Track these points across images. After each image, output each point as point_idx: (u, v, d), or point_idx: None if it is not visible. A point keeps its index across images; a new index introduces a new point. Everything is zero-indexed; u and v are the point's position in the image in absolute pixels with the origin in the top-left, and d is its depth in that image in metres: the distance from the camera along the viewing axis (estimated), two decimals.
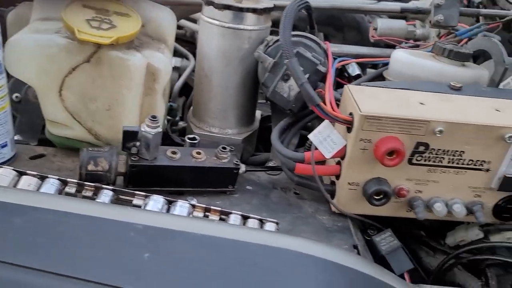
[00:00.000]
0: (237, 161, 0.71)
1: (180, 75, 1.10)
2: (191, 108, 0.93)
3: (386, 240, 0.73)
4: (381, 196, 0.68)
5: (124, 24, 0.70)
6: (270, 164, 0.82)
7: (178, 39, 1.13)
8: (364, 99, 0.67)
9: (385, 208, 0.71)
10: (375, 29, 1.08)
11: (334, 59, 0.82)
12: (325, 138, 0.67)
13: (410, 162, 0.67)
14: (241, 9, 0.78)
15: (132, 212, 0.56)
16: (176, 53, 1.17)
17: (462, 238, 0.78)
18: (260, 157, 0.91)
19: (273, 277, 0.48)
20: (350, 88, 0.70)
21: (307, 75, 0.74)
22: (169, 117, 1.05)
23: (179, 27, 1.21)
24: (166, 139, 0.92)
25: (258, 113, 0.97)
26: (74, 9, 0.69)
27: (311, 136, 0.67)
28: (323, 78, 0.75)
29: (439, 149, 0.66)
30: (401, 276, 0.71)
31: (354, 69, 1.00)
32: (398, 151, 0.64)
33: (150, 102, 0.76)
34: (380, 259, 0.72)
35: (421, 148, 0.66)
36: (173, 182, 0.69)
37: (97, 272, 0.46)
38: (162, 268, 0.48)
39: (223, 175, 0.71)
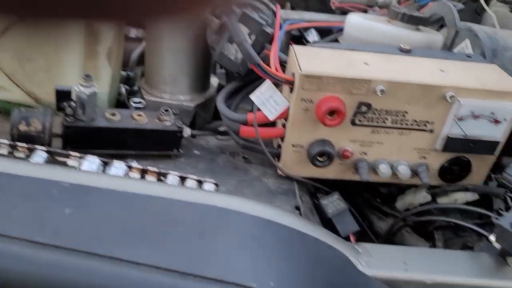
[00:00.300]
0: (180, 124, 0.70)
1: None
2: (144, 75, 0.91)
3: (333, 203, 0.73)
4: (325, 157, 0.68)
5: None
6: (221, 128, 0.81)
7: None
8: (306, 58, 0.65)
9: (331, 170, 0.70)
10: None
11: (285, 23, 0.80)
12: (268, 99, 0.66)
13: (353, 123, 0.66)
14: None
15: (61, 171, 0.55)
16: None
17: (410, 202, 0.78)
18: (216, 124, 0.90)
19: (195, 233, 0.48)
20: (295, 48, 0.68)
21: (253, 37, 0.73)
22: (127, 87, 1.03)
23: None
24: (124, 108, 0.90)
25: (215, 81, 0.95)
26: None
27: (252, 97, 0.66)
28: (272, 40, 0.73)
29: (382, 110, 0.65)
30: (347, 239, 0.71)
31: (313, 36, 0.99)
32: (338, 111, 0.63)
33: (94, 65, 0.74)
34: (327, 222, 0.72)
35: (364, 109, 0.65)
36: (113, 145, 0.67)
37: (13, 227, 0.45)
38: (82, 223, 0.47)
39: (166, 138, 0.70)
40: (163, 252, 0.45)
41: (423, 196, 0.76)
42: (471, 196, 0.74)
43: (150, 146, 0.70)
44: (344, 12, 1.10)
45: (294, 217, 0.56)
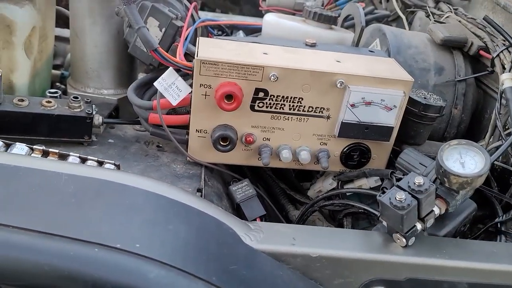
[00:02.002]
0: (89, 111, 0.72)
1: None
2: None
3: (242, 190, 0.75)
4: (227, 142, 0.71)
5: None
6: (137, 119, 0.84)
7: None
8: (207, 48, 0.69)
9: (236, 156, 0.73)
10: (264, 0, 1.12)
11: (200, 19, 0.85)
12: (170, 85, 0.69)
13: (252, 108, 0.70)
14: None
15: None
16: None
17: (319, 189, 0.82)
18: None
19: (72, 202, 0.50)
20: (200, 39, 0.72)
21: (163, 29, 0.76)
22: (62, 86, 1.05)
23: None
24: None
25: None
26: None
27: (156, 83, 0.69)
28: (178, 32, 0.77)
29: (279, 96, 0.69)
30: None
31: (240, 37, 1.04)
32: (234, 95, 0.66)
33: (9, 55, 0.76)
34: (236, 208, 0.75)
35: (261, 94, 0.69)
36: (22, 130, 0.69)
37: None
38: None
39: (75, 125, 0.72)
40: (33, 216, 0.47)
41: (329, 183, 0.80)
42: (374, 182, 0.77)
43: (60, 133, 0.72)
44: None
45: (183, 192, 0.58)
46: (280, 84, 0.68)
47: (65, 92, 1.02)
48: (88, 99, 0.74)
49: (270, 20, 0.88)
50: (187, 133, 0.75)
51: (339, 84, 0.68)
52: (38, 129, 0.70)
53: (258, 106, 0.70)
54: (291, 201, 0.87)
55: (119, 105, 0.89)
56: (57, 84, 1.04)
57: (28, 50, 0.79)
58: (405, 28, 1.11)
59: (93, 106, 0.75)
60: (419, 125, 0.75)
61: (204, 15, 1.05)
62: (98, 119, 0.74)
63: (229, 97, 0.67)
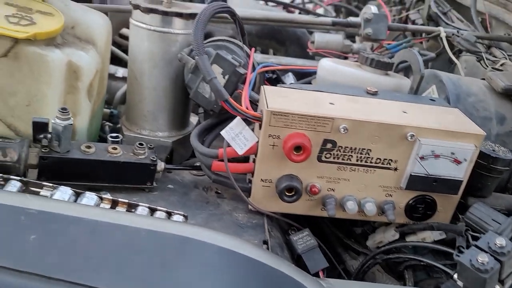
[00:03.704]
0: (154, 157, 0.72)
1: None
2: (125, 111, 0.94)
3: (303, 240, 0.74)
4: (293, 192, 0.69)
5: (45, 22, 0.72)
6: (196, 164, 0.83)
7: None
8: (275, 97, 0.69)
9: (300, 206, 0.72)
10: (313, 42, 1.12)
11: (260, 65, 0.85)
12: (237, 135, 0.68)
13: (319, 159, 0.69)
14: (166, 13, 0.81)
15: (31, 199, 0.56)
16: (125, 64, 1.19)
17: (380, 240, 0.80)
18: (193, 160, 0.92)
19: (156, 262, 0.49)
20: (265, 88, 0.72)
21: (227, 76, 0.77)
22: (110, 124, 1.06)
23: (124, 36, 1.24)
24: None
25: (195, 120, 0.98)
26: None
27: (223, 133, 0.68)
28: (245, 80, 0.77)
29: (347, 147, 0.68)
30: (317, 275, 0.72)
31: (290, 79, 1.04)
32: (304, 147, 0.65)
33: (74, 100, 0.77)
34: (297, 258, 0.73)
35: (329, 146, 0.68)
36: (88, 177, 0.69)
37: None
38: (47, 249, 0.48)
39: (139, 171, 0.71)
40: (123, 279, 0.46)
41: (392, 234, 0.78)
42: (438, 235, 0.75)
43: (124, 179, 0.71)
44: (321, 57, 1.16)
45: (257, 248, 0.57)
46: (349, 135, 0.67)
47: (114, 130, 1.03)
48: (151, 145, 0.74)
49: (326, 66, 0.88)
50: (249, 181, 0.74)
51: (409, 137, 0.67)
52: (103, 175, 0.70)
53: (325, 157, 0.69)
54: (347, 249, 0.84)
55: (173, 147, 0.89)
56: (106, 122, 1.05)
57: (89, 94, 0.80)
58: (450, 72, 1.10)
59: (155, 151, 0.75)
60: (487, 178, 0.73)
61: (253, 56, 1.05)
62: (160, 165, 0.73)
63: (298, 148, 0.66)
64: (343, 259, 0.84)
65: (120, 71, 1.20)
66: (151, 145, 0.74)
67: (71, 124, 0.65)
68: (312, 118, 0.66)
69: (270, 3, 1.48)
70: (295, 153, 0.66)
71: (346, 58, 1.16)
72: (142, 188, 0.73)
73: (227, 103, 0.67)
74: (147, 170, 0.72)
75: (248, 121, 0.70)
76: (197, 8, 0.87)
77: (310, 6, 1.83)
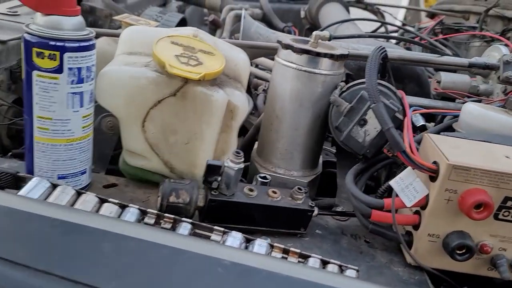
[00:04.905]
0: (312, 203, 0.70)
1: None
2: (255, 147, 0.93)
3: None
4: (464, 251, 0.65)
5: (209, 62, 0.72)
6: (338, 209, 0.81)
7: None
8: (448, 148, 0.65)
9: (465, 264, 0.67)
10: (438, 82, 1.08)
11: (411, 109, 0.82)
12: (407, 186, 0.65)
13: (496, 217, 0.64)
14: (318, 54, 0.79)
15: (217, 247, 0.55)
16: None
17: None
18: (323, 201, 0.90)
19: None
20: (432, 137, 0.69)
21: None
22: None
23: None
24: None
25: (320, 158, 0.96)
26: (163, 45, 0.72)
27: (392, 183, 0.65)
28: (399, 125, 0.74)
29: None
30: None
31: (418, 119, 1.00)
32: (486, 204, 0.61)
33: (226, 138, 0.77)
34: None
35: (509, 203, 0.63)
36: (247, 220, 0.68)
37: None
38: None
39: (296, 217, 0.70)
40: None
41: None
42: None
43: (280, 224, 0.70)
44: (444, 98, 1.11)
45: None
46: None
47: None
48: (306, 189, 0.72)
49: (473, 111, 0.84)
50: (407, 233, 0.70)
51: None
52: (262, 219, 0.68)
53: (503, 215, 0.64)
54: None
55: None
56: None
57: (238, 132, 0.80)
58: None
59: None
60: None
61: None
62: (315, 211, 0.71)
63: (479, 205, 0.62)
64: None
65: None
66: (306, 190, 0.72)
67: (242, 167, 0.64)
68: (496, 174, 0.62)
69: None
70: (475, 210, 0.62)
71: (463, 97, 1.12)
72: (295, 233, 0.71)
73: (403, 154, 0.64)
74: (304, 216, 0.70)
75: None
76: (343, 48, 0.85)
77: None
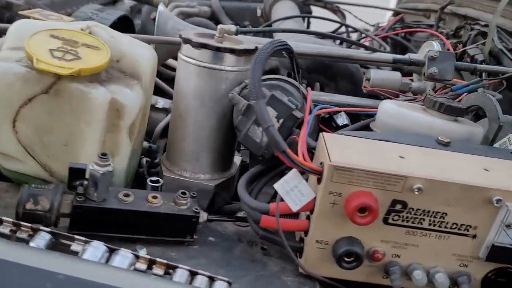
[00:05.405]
0: (197, 209, 0.65)
1: None
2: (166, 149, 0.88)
3: None
4: (353, 258, 0.60)
5: (90, 57, 0.67)
6: (240, 214, 0.76)
7: (170, 80, 1.11)
8: (338, 148, 0.61)
9: (358, 272, 0.63)
10: (368, 79, 1.04)
11: (315, 105, 0.77)
12: (292, 189, 0.61)
13: (385, 221, 0.60)
14: (218, 49, 0.75)
15: (60, 259, 0.50)
16: (167, 95, 1.14)
17: None
18: (236, 206, 0.85)
19: None
20: (325, 136, 0.64)
21: (281, 120, 0.69)
22: (148, 159, 1.01)
23: (170, 67, 1.19)
24: (143, 182, 0.87)
25: (238, 159, 0.91)
26: (40, 39, 0.67)
27: (276, 186, 0.61)
28: (300, 124, 0.70)
29: (419, 209, 0.59)
30: None
31: (343, 119, 0.96)
32: (370, 208, 0.57)
33: (114, 139, 0.71)
34: None
35: (398, 207, 0.59)
36: (124, 228, 0.63)
37: None
38: None
39: (180, 223, 0.64)
40: None
41: None
42: None
43: (163, 231, 0.65)
44: (375, 96, 1.07)
45: None
46: (423, 196, 0.58)
47: (152, 166, 0.97)
48: (194, 193, 0.67)
49: (389, 109, 0.79)
50: (301, 240, 0.66)
51: (495, 202, 0.57)
52: (142, 227, 0.63)
53: (392, 219, 0.60)
54: None
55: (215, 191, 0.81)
56: (143, 156, 0.99)
57: (130, 133, 0.74)
58: None
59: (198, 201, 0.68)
60: None
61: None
62: (203, 216, 0.66)
63: (363, 209, 0.57)
64: None
65: (161, 102, 1.15)
66: (194, 193, 0.67)
67: (111, 171, 0.59)
68: (381, 176, 0.57)
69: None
70: (359, 214, 0.57)
71: (397, 96, 1.08)
72: (182, 241, 0.66)
73: (284, 154, 0.59)
74: (188, 223, 0.65)
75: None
76: (249, 43, 0.81)
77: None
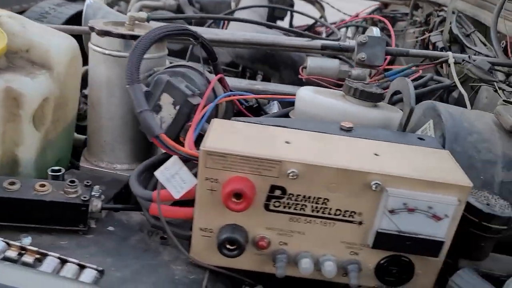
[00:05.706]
0: (85, 197, 0.64)
1: None
2: None
3: None
4: (235, 246, 0.59)
5: None
6: None
7: None
8: (219, 133, 0.59)
9: (247, 261, 0.61)
10: (305, 67, 1.02)
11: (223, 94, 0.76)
12: (174, 176, 0.59)
13: (267, 208, 0.58)
14: (122, 36, 0.74)
15: None
16: None
17: None
18: None
19: None
20: (214, 122, 0.63)
21: (177, 107, 0.68)
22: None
23: None
24: None
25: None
26: None
27: (157, 173, 0.59)
28: (192, 110, 0.68)
29: (299, 195, 0.57)
30: None
31: (274, 108, 0.94)
32: (244, 194, 0.55)
33: (15, 128, 0.71)
34: None
35: (278, 192, 0.57)
36: (11, 217, 0.62)
37: None
38: None
39: (69, 212, 0.64)
40: None
41: None
42: None
43: (53, 220, 0.64)
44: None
45: None
46: (301, 182, 0.56)
47: None
48: (88, 182, 0.66)
49: (304, 96, 0.77)
50: (191, 229, 0.64)
51: (374, 186, 0.55)
52: (29, 216, 0.63)
53: (273, 205, 0.58)
54: None
55: None
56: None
57: (38, 122, 0.74)
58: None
59: (96, 188, 0.67)
60: (479, 238, 0.59)
61: (238, 82, 0.97)
62: (96, 205, 0.66)
63: (238, 195, 0.56)
64: None
65: None
66: (87, 182, 0.66)
67: None
68: (255, 160, 0.56)
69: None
70: (234, 200, 0.56)
71: (337, 85, 1.05)
72: (76, 230, 0.66)
73: (158, 139, 0.58)
74: (78, 211, 0.64)
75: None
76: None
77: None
